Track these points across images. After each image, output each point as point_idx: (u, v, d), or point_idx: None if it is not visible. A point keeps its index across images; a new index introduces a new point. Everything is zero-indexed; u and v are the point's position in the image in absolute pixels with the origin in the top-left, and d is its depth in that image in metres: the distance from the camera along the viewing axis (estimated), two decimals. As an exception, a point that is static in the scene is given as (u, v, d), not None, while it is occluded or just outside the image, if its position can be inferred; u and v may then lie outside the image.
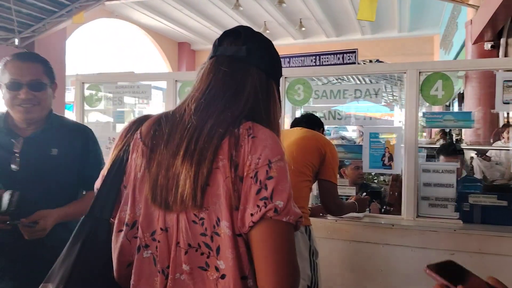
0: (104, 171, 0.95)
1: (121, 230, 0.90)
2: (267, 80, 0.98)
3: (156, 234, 0.86)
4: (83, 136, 1.74)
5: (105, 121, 3.54)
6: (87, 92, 3.42)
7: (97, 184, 0.96)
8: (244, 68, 0.95)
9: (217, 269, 0.82)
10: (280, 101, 1.02)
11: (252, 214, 0.80)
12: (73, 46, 12.46)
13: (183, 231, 0.84)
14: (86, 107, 3.46)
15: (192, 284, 0.84)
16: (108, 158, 0.96)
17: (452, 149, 3.34)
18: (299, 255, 2.00)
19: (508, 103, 2.42)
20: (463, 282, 0.65)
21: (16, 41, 10.09)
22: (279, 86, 1.03)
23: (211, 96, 0.92)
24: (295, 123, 2.45)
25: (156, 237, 0.86)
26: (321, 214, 2.53)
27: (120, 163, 0.92)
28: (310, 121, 2.40)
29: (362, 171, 3.12)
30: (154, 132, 0.91)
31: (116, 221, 0.91)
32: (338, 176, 2.32)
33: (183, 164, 0.84)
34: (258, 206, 0.79)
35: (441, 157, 3.21)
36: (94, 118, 3.90)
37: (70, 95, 12.38)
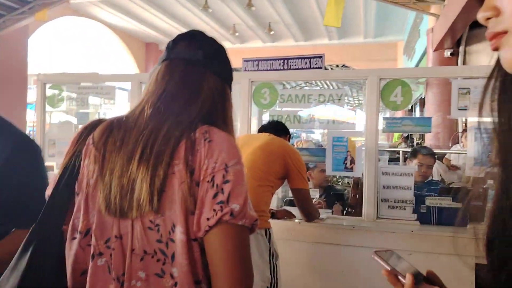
0: (55, 177, 0.93)
1: (74, 238, 0.88)
2: (222, 85, 0.99)
3: (110, 242, 0.85)
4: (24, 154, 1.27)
5: (68, 123, 3.46)
6: (49, 92, 3.33)
7: (48, 191, 0.94)
8: (200, 71, 0.96)
9: (171, 276, 0.82)
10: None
11: (208, 218, 0.80)
12: (37, 44, 12.07)
13: (138, 237, 0.83)
14: (48, 108, 3.37)
15: None
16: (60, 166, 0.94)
17: (429, 150, 3.45)
18: (260, 258, 2.04)
19: (463, 109, 2.54)
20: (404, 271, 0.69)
21: (-26, 38, 9.68)
22: (230, 87, 1.04)
23: (167, 100, 0.91)
24: (263, 129, 2.50)
25: (111, 245, 0.85)
26: (285, 217, 2.58)
27: (71, 170, 0.90)
28: (277, 128, 2.47)
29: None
30: (107, 138, 0.89)
31: (69, 229, 0.89)
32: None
33: (138, 168, 0.83)
34: (214, 210, 0.80)
35: (419, 156, 3.29)
36: (57, 119, 3.80)
37: (32, 95, 12.00)
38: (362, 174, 2.70)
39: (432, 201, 2.55)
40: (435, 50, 6.58)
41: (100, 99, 3.44)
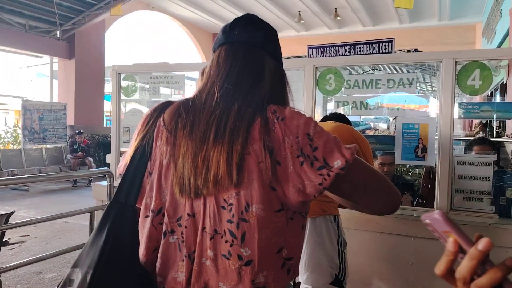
0: (127, 158, 0.96)
1: (147, 216, 0.91)
2: (279, 66, 1.00)
3: (183, 220, 0.87)
4: None
5: (140, 112, 3.64)
6: (124, 84, 3.53)
7: (120, 170, 0.98)
8: (260, 54, 0.97)
9: (240, 257, 0.83)
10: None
11: (320, 183, 0.83)
12: (112, 38, 12.80)
13: (211, 216, 0.84)
14: (123, 97, 3.57)
15: (215, 271, 0.84)
16: (131, 146, 0.97)
17: (483, 139, 3.21)
18: (330, 244, 2.03)
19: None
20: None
21: (58, 34, 10.50)
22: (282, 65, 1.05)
23: (233, 82, 0.92)
24: (325, 119, 2.45)
25: (182, 223, 0.87)
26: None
27: (143, 150, 0.93)
28: (340, 119, 2.43)
29: (388, 168, 3.07)
30: (177, 120, 0.91)
31: (142, 207, 0.92)
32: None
33: (214, 147, 0.85)
34: (321, 175, 0.82)
35: (475, 148, 3.08)
36: (131, 108, 4.02)
37: (109, 86, 12.78)
38: (435, 164, 2.55)
39: (514, 193, 2.36)
40: (519, 30, 6.03)
41: (170, 90, 3.57)
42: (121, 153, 3.66)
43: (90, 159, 10.36)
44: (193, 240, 0.86)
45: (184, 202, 0.87)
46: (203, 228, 0.85)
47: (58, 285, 0.88)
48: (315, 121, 0.88)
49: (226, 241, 0.83)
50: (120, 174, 0.97)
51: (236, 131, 0.84)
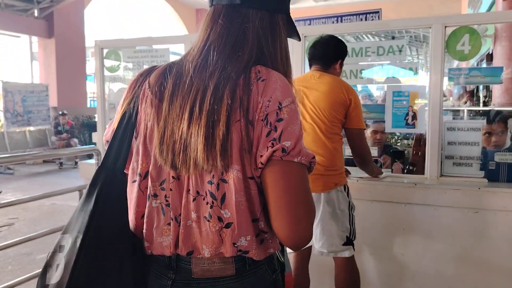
0: (114, 124, 0.94)
1: (134, 181, 0.90)
2: (270, 19, 0.92)
3: (167, 183, 0.86)
4: None
5: (125, 89, 3.57)
6: (108, 63, 3.44)
7: (107, 136, 0.96)
8: (242, 15, 0.89)
9: (220, 219, 0.82)
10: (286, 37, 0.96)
11: (261, 156, 0.80)
12: (92, 16, 12.45)
13: (193, 178, 0.83)
14: (107, 73, 3.48)
15: (199, 233, 0.84)
16: (117, 112, 0.95)
17: (496, 115, 2.94)
18: (340, 211, 2.13)
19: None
20: None
21: (36, 12, 10.16)
22: (288, 13, 0.97)
23: (209, 54, 0.87)
24: (311, 55, 2.28)
25: (167, 186, 0.86)
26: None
27: (129, 115, 0.91)
28: (324, 59, 2.24)
29: (380, 136, 3.07)
30: (161, 84, 0.89)
31: (129, 172, 0.91)
32: None
33: (189, 128, 0.82)
34: (267, 147, 0.79)
35: (486, 126, 2.70)
36: (114, 85, 3.93)
37: (90, 67, 12.48)
38: (425, 131, 2.56)
39: (502, 157, 2.38)
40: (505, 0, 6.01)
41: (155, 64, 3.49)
42: (107, 131, 3.60)
43: (76, 140, 10.20)
44: (179, 203, 0.85)
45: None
46: (188, 190, 0.84)
47: (49, 253, 0.87)
48: (295, 101, 0.84)
49: (207, 203, 0.83)
50: (107, 141, 0.95)
51: (215, 115, 0.81)
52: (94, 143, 3.63)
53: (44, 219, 5.19)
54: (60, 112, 10.24)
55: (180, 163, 0.83)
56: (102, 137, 3.22)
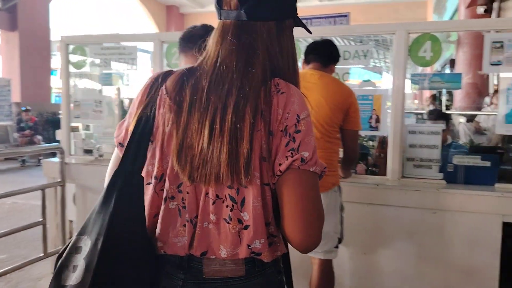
0: (130, 127, 0.94)
1: (149, 183, 0.93)
2: (278, 28, 0.93)
3: (184, 186, 0.90)
4: None
5: (91, 85, 3.49)
6: (74, 58, 3.35)
7: (120, 138, 0.99)
8: (250, 30, 0.91)
9: (240, 221, 0.87)
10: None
11: (280, 164, 0.85)
12: (58, 11, 12.07)
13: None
14: (72, 69, 3.39)
15: (217, 234, 0.88)
16: (132, 115, 0.96)
17: (437, 113, 3.34)
18: (334, 212, 2.16)
19: (496, 64, 2.42)
20: None
21: (-1, 4, 9.76)
22: (296, 15, 0.98)
23: (222, 71, 0.90)
24: (309, 51, 2.31)
25: (184, 189, 0.90)
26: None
27: (147, 119, 0.93)
28: (325, 57, 2.27)
29: None
30: (180, 91, 0.91)
31: (144, 175, 0.93)
32: None
33: (210, 145, 0.86)
34: (286, 157, 0.85)
35: (428, 123, 3.21)
36: (80, 81, 3.84)
37: (55, 61, 12.09)
38: (388, 134, 2.64)
39: (460, 159, 2.49)
40: (468, 7, 6.26)
41: (123, 64, 3.41)
42: (72, 129, 3.51)
43: (39, 137, 9.88)
44: (195, 206, 0.89)
45: None
46: (206, 193, 0.88)
47: (61, 253, 0.88)
48: (309, 114, 0.90)
49: (227, 206, 0.87)
50: (119, 143, 0.99)
51: (238, 132, 0.85)
52: (58, 141, 3.54)
53: (5, 218, 5.01)
54: (23, 108, 9.89)
55: (198, 177, 0.87)
56: (66, 134, 3.13)
